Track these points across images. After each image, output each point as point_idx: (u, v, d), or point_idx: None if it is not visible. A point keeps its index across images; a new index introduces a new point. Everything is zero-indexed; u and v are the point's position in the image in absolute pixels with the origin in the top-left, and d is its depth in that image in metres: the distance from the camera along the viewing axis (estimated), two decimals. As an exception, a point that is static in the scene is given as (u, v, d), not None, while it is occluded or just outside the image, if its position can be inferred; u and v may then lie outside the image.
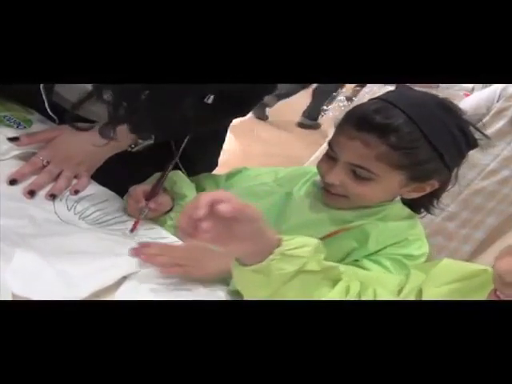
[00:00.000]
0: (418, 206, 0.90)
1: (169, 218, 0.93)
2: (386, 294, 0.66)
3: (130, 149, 0.94)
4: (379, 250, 0.85)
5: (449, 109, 0.79)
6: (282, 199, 0.94)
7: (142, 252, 0.77)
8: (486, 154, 1.87)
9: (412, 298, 0.64)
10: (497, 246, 2.02)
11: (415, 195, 0.86)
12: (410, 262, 0.85)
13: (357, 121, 0.79)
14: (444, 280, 0.63)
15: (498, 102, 1.84)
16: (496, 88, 1.87)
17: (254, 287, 0.63)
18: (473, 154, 1.84)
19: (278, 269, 0.59)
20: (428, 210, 0.91)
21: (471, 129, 0.81)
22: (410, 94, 0.82)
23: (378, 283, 0.69)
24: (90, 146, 0.87)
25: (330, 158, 0.84)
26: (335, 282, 0.66)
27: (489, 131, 1.86)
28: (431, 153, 0.78)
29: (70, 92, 0.93)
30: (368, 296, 0.65)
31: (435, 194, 0.89)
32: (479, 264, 0.67)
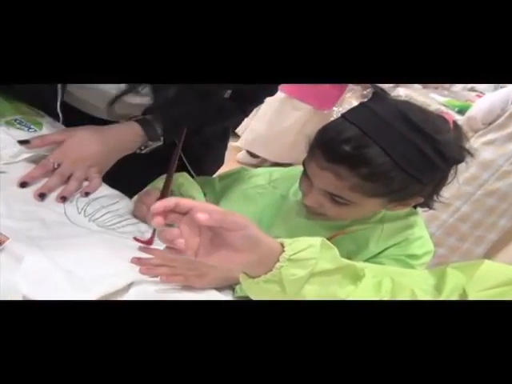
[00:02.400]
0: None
1: None
2: (424, 295, 0.61)
3: (139, 151, 0.94)
4: (381, 252, 0.84)
5: (423, 131, 0.72)
6: (277, 201, 0.93)
7: (142, 262, 0.77)
8: (500, 155, 1.86)
9: (455, 298, 0.60)
10: (510, 247, 2.01)
11: (401, 209, 0.83)
12: (414, 262, 0.83)
13: (326, 150, 0.75)
14: (490, 283, 0.60)
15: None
16: (510, 89, 1.85)
17: (271, 297, 0.60)
18: (486, 155, 1.86)
19: (290, 275, 0.57)
20: (428, 206, 0.86)
21: (451, 146, 0.75)
22: (382, 116, 0.75)
23: (412, 281, 0.64)
24: (101, 147, 0.87)
25: (307, 178, 0.81)
26: (357, 278, 0.63)
27: (504, 132, 1.85)
28: (408, 179, 0.74)
29: (85, 92, 0.93)
30: (405, 297, 0.61)
31: (436, 192, 0.84)
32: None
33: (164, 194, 0.87)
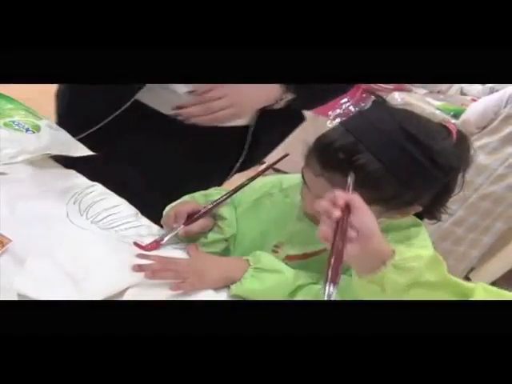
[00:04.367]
0: (421, 214, 0.85)
1: (204, 236, 0.92)
2: None
3: (275, 104, 1.02)
4: None
5: (416, 139, 0.72)
6: (288, 210, 0.92)
7: (144, 269, 0.77)
8: (495, 159, 1.88)
9: None
10: (505, 251, 2.02)
11: (400, 218, 0.83)
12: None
13: (320, 156, 0.76)
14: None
15: (505, 107, 1.84)
16: (503, 93, 1.87)
17: (371, 296, 0.64)
18: (481, 160, 1.87)
19: (392, 281, 0.61)
20: (434, 218, 0.86)
21: (447, 153, 0.75)
22: (377, 124, 0.75)
23: None
24: (253, 98, 0.98)
25: (305, 185, 0.82)
26: (465, 297, 0.63)
27: (497, 136, 1.86)
28: (401, 186, 0.74)
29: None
30: None
31: (439, 202, 0.83)
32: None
33: (201, 215, 0.89)
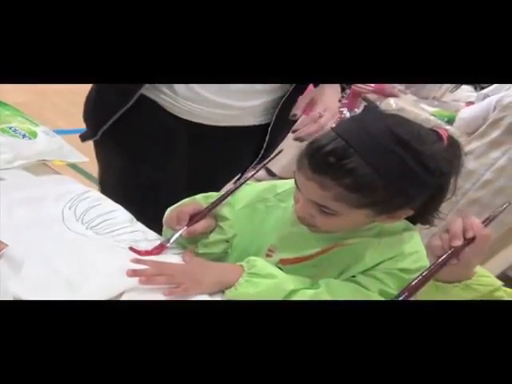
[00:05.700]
0: (414, 219, 0.86)
1: (205, 237, 0.93)
2: None
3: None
4: (375, 265, 0.84)
5: (406, 143, 0.73)
6: (282, 214, 0.93)
7: (138, 274, 0.78)
8: (482, 164, 1.88)
9: None
10: (495, 256, 2.02)
11: (391, 222, 0.83)
12: (407, 276, 0.83)
13: (311, 161, 0.76)
14: None
15: (493, 112, 1.85)
16: (492, 99, 1.89)
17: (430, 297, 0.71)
18: (468, 165, 1.87)
19: (457, 296, 0.70)
20: (427, 222, 0.86)
21: (437, 158, 0.75)
22: (368, 129, 0.76)
23: None
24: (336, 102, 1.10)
25: (298, 189, 0.82)
26: None
27: (484, 141, 1.87)
28: (391, 191, 0.75)
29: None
30: None
31: (432, 206, 0.84)
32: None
33: (203, 215, 0.89)
